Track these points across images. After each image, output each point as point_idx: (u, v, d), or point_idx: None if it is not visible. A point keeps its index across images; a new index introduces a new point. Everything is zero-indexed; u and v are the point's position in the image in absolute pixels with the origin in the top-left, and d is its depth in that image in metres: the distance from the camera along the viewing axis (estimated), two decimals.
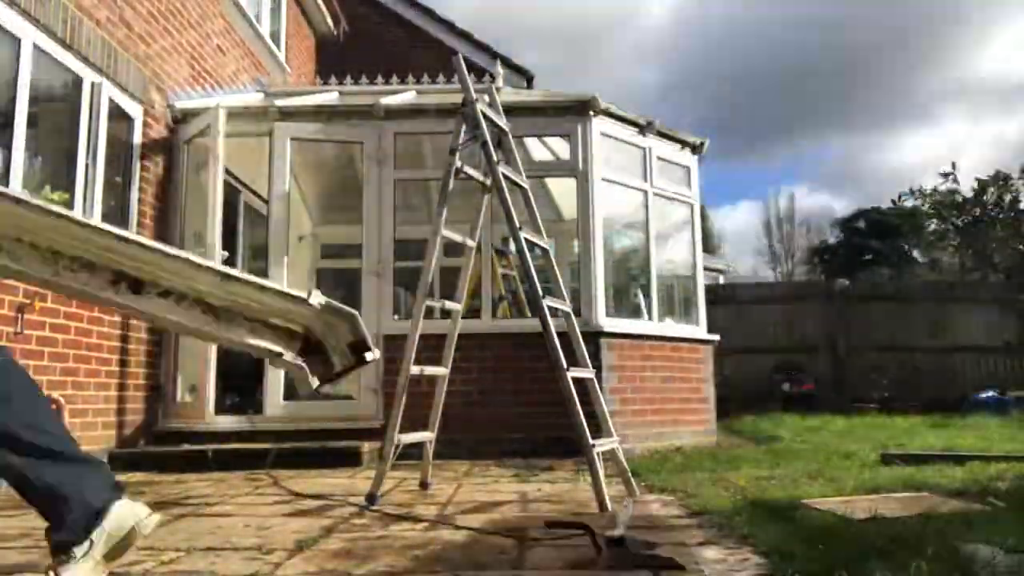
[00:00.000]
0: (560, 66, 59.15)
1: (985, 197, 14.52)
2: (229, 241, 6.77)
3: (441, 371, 3.95)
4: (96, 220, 1.89)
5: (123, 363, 4.98)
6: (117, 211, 5.14)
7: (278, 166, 5.66)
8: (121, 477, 4.41)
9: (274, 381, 5.46)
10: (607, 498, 3.02)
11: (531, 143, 6.81)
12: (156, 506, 2.13)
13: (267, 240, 5.72)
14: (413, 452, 5.35)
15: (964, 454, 4.56)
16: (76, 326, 4.49)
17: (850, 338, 11.59)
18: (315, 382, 1.85)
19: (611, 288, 6.08)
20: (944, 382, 11.41)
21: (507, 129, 4.07)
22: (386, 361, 5.52)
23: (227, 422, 5.38)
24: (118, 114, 5.13)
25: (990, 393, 10.39)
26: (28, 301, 4.02)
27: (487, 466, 4.93)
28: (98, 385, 4.71)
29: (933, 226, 16.16)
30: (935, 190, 14.90)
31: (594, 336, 5.54)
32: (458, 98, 6.18)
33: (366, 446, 5.08)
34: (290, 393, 5.53)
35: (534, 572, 2.10)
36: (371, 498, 3.27)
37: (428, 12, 10.97)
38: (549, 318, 3.47)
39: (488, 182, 3.87)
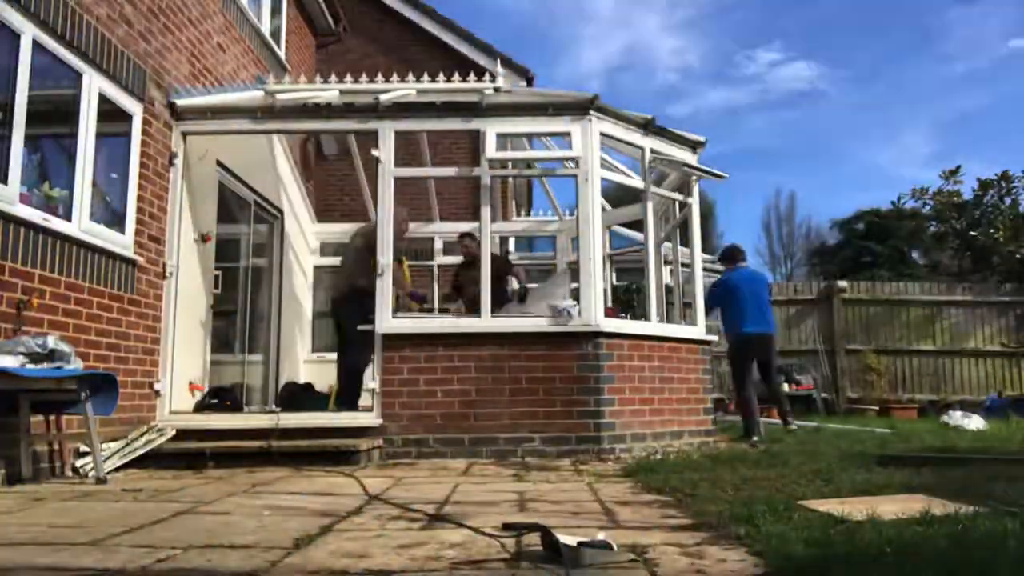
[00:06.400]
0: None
1: (986, 200, 14.51)
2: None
3: None
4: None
5: (121, 360, 4.98)
6: (116, 208, 5.13)
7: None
8: (118, 475, 4.41)
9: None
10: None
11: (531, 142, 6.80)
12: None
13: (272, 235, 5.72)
14: (410, 451, 5.38)
15: (962, 456, 4.56)
16: (74, 323, 4.48)
17: (848, 340, 11.60)
18: None
19: (610, 288, 6.07)
20: (942, 384, 11.42)
21: None
22: (384, 360, 5.52)
23: (220, 420, 5.39)
24: (117, 111, 5.12)
25: (980, 397, 10.41)
26: (26, 297, 4.02)
27: (485, 465, 4.93)
28: None
29: (933, 228, 16.16)
30: (938, 191, 14.89)
31: (593, 336, 5.55)
32: (457, 97, 6.19)
33: (364, 444, 5.07)
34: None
35: (531, 571, 2.10)
36: None
37: (428, 11, 10.95)
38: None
39: None
